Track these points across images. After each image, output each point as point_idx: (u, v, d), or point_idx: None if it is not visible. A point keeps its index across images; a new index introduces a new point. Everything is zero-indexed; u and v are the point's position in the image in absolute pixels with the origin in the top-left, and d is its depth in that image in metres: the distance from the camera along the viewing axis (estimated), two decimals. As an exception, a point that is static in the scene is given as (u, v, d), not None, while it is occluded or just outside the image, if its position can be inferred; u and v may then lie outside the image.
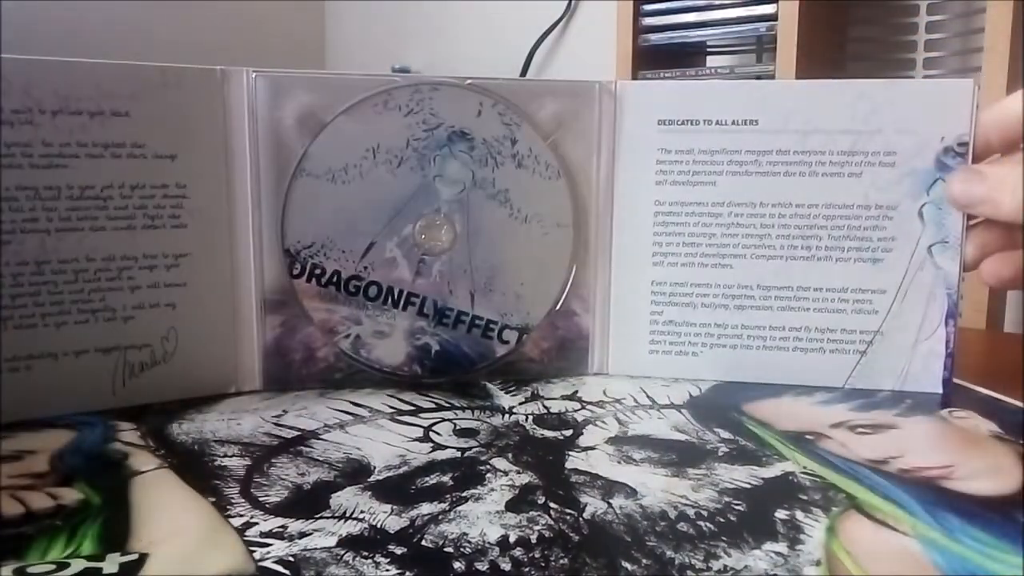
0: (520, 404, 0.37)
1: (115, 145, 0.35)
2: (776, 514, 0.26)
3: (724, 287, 0.40)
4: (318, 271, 0.39)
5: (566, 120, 0.40)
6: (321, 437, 0.33)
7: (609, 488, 0.28)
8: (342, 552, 0.24)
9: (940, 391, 0.38)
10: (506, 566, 0.23)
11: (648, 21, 1.00)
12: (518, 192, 0.40)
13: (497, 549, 0.24)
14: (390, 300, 0.39)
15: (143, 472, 0.29)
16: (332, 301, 0.39)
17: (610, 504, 0.27)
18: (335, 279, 0.39)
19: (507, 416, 0.36)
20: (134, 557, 0.23)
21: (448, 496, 0.28)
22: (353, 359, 0.39)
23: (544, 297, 0.41)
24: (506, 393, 0.39)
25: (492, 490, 0.28)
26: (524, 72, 1.30)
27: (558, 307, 0.41)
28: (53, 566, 0.23)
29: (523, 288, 0.41)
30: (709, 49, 1.07)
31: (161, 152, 0.36)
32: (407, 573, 0.23)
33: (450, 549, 0.24)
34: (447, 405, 0.37)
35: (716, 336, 0.40)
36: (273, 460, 0.31)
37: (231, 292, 0.38)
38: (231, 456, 0.31)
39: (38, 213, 0.34)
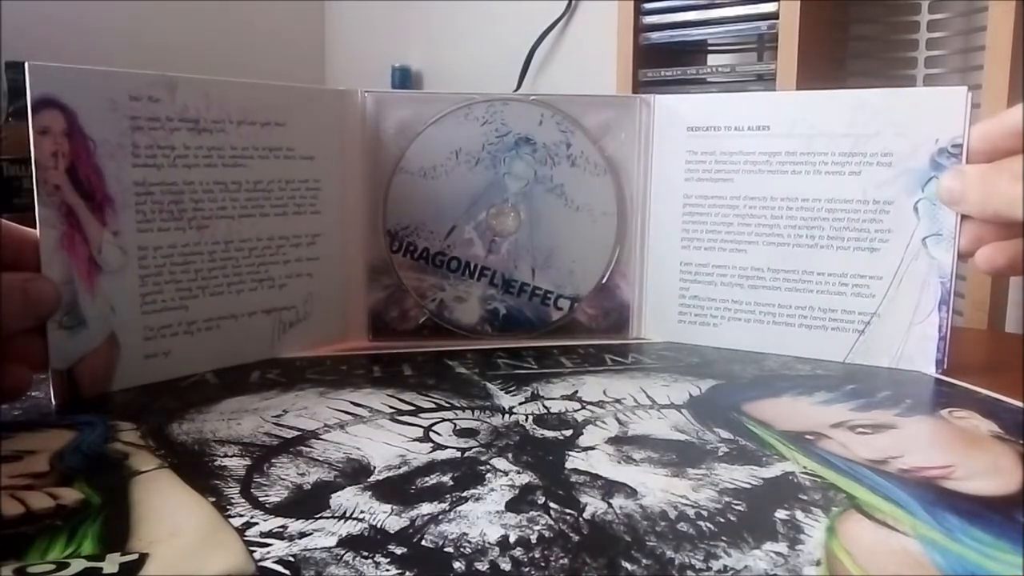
0: (520, 404, 0.37)
1: (276, 148, 0.44)
2: (776, 514, 0.26)
3: (740, 269, 0.46)
4: (411, 248, 0.48)
5: (611, 127, 0.49)
6: (321, 437, 0.33)
7: (609, 488, 0.28)
8: (342, 552, 0.24)
9: (933, 372, 0.42)
10: (506, 566, 0.23)
11: (648, 20, 1.00)
12: (571, 186, 0.48)
13: (497, 549, 0.24)
14: (467, 272, 0.49)
15: (143, 472, 0.29)
16: (422, 272, 0.48)
17: (610, 504, 0.27)
18: (424, 254, 0.48)
19: (507, 416, 0.35)
20: (134, 557, 0.23)
21: (448, 496, 0.28)
22: (438, 319, 0.49)
23: (592, 273, 0.49)
24: (506, 393, 0.39)
25: (492, 490, 0.28)
26: (524, 72, 1.30)
27: (603, 281, 0.49)
28: (53, 566, 0.23)
29: (575, 265, 0.49)
30: (710, 48, 1.07)
31: (305, 154, 0.45)
32: (407, 573, 0.23)
33: (450, 549, 0.24)
34: (447, 405, 0.37)
35: (733, 311, 0.47)
36: (273, 460, 0.30)
37: (346, 264, 0.48)
38: (231, 456, 0.31)
39: (227, 203, 0.42)
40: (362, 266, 0.48)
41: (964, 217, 0.40)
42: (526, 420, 0.35)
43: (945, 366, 0.42)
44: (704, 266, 0.47)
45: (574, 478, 0.29)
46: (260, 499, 0.27)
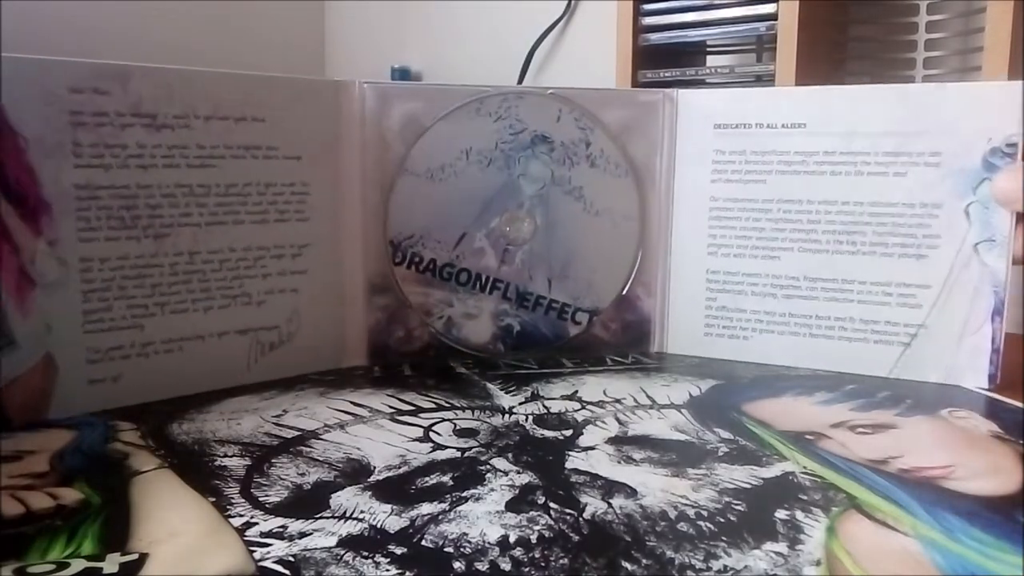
0: (520, 404, 0.37)
1: (254, 147, 0.39)
2: (776, 514, 0.26)
3: (773, 277, 0.43)
4: (416, 259, 0.43)
5: (633, 124, 0.45)
6: (321, 437, 0.33)
7: (609, 488, 0.28)
8: (342, 552, 0.24)
9: (986, 386, 0.39)
10: (506, 566, 0.23)
11: (648, 21, 1.00)
12: (591, 189, 0.45)
13: (497, 549, 0.24)
14: (478, 285, 0.44)
15: (143, 472, 0.29)
16: (428, 286, 0.44)
17: (610, 504, 0.27)
18: (431, 266, 0.44)
19: (507, 416, 0.35)
20: (134, 557, 0.23)
21: (448, 496, 0.28)
22: (445, 338, 0.44)
23: (612, 283, 0.46)
24: (506, 393, 0.39)
25: (492, 490, 0.28)
26: (523, 72, 1.30)
27: (624, 292, 0.46)
28: (53, 566, 0.23)
29: (594, 275, 0.45)
30: (709, 48, 1.07)
31: (289, 154, 0.40)
32: (407, 573, 0.23)
33: (450, 549, 0.24)
34: (447, 405, 0.37)
35: (765, 322, 0.43)
36: (273, 460, 0.30)
37: (342, 278, 0.43)
38: (231, 456, 0.31)
39: (192, 209, 0.37)
40: (360, 280, 0.43)
41: (1020, 220, 0.38)
42: (526, 420, 0.35)
43: (998, 381, 0.39)
44: (733, 274, 0.44)
45: (574, 478, 0.29)
46: (260, 499, 0.27)
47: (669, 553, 0.24)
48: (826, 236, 0.42)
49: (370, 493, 0.28)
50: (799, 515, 0.26)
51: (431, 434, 0.33)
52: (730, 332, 0.44)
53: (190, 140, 0.37)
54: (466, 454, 0.31)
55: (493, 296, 0.45)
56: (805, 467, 0.30)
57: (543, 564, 0.23)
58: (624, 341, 0.46)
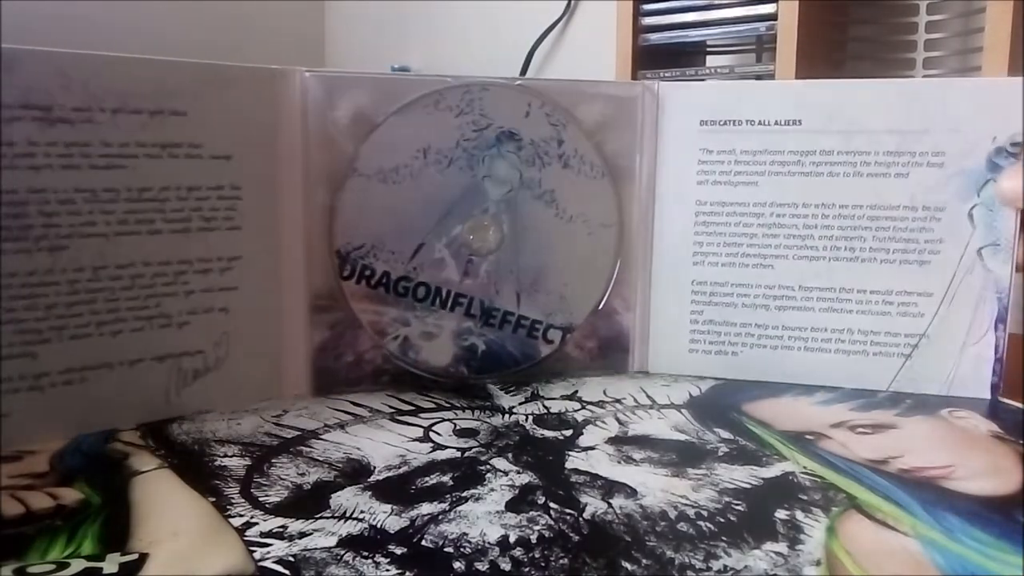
0: (520, 404, 0.37)
1: (173, 145, 0.34)
2: (776, 514, 0.26)
3: (765, 287, 0.40)
4: (368, 272, 0.38)
5: (610, 120, 0.40)
6: (321, 437, 0.33)
7: (609, 488, 0.28)
8: (342, 552, 0.24)
9: (988, 396, 0.38)
10: (506, 566, 0.23)
11: (648, 21, 1.00)
12: (564, 192, 0.40)
13: (497, 549, 0.24)
14: (438, 301, 0.40)
15: (143, 472, 0.29)
16: (381, 303, 0.39)
17: (610, 504, 0.27)
18: (385, 280, 0.39)
19: (507, 416, 0.35)
20: (134, 557, 0.23)
21: (448, 496, 0.28)
22: (401, 361, 0.39)
23: (587, 296, 0.41)
24: (506, 393, 0.39)
25: (492, 490, 0.28)
26: (523, 72, 1.30)
27: (601, 306, 0.41)
28: (53, 566, 0.23)
29: (567, 288, 0.41)
30: (709, 49, 1.07)
31: (217, 152, 0.35)
32: (407, 573, 0.23)
33: (450, 549, 0.24)
34: (447, 405, 0.37)
35: (756, 336, 0.40)
36: (273, 460, 0.30)
37: (280, 295, 0.37)
38: (231, 456, 0.31)
39: (96, 216, 0.32)
40: (301, 297, 0.37)
41: None
42: (526, 420, 0.35)
43: (1000, 391, 0.38)
44: (721, 285, 0.40)
45: (574, 478, 0.29)
46: (260, 499, 0.27)
47: (669, 553, 0.24)
48: (823, 242, 0.39)
49: (370, 493, 0.28)
50: (799, 515, 0.26)
51: (431, 434, 0.33)
52: (717, 348, 0.41)
53: (93, 137, 0.32)
54: (466, 454, 0.31)
55: (455, 313, 0.40)
56: (805, 467, 0.30)
57: (543, 564, 0.23)
58: (601, 360, 0.42)
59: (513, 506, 0.27)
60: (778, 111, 0.39)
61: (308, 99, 0.37)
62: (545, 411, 0.36)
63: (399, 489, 0.28)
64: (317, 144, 0.37)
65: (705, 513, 0.27)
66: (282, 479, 0.29)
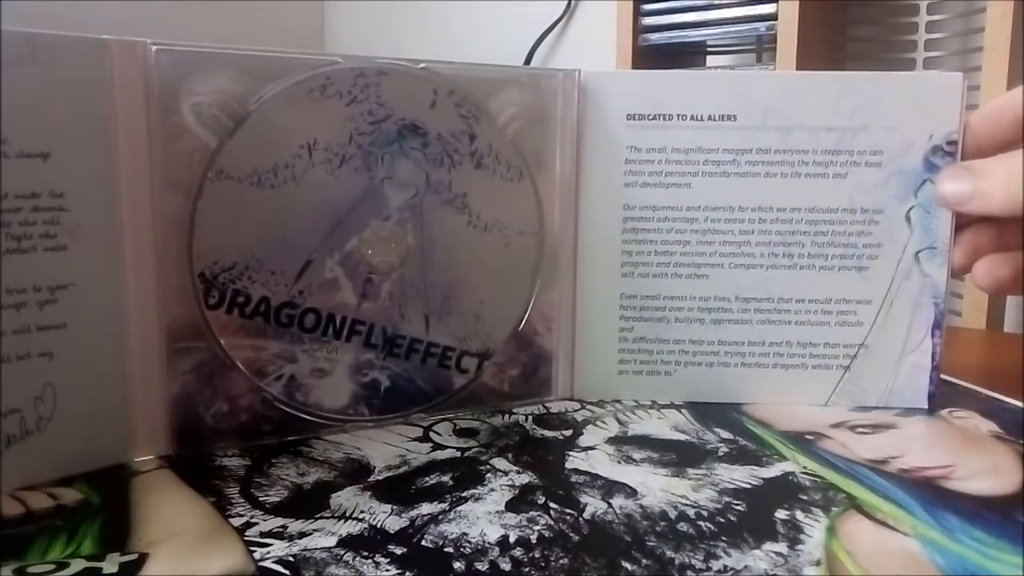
0: (520, 404, 0.37)
1: None
2: (776, 514, 0.26)
3: (700, 300, 0.37)
4: (241, 299, 0.31)
5: (531, 113, 0.35)
6: (321, 437, 0.33)
7: (609, 488, 0.28)
8: (342, 552, 0.24)
9: (925, 406, 0.37)
10: (506, 566, 0.23)
11: (648, 21, 1.00)
12: (477, 196, 0.35)
13: (497, 549, 0.24)
14: (331, 330, 0.33)
15: (143, 472, 0.29)
16: (259, 336, 0.31)
17: (610, 504, 0.27)
18: (263, 308, 0.31)
19: (507, 416, 0.35)
20: (134, 557, 0.23)
21: (448, 496, 0.28)
22: (286, 406, 0.32)
23: (506, 316, 0.36)
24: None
25: (492, 490, 0.28)
26: (524, 72, 1.31)
27: (521, 327, 0.36)
28: (53, 566, 0.23)
29: (483, 307, 0.36)
30: (709, 49, 1.07)
31: (29, 150, 0.26)
32: (407, 573, 0.23)
33: (450, 549, 0.24)
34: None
35: (691, 353, 0.37)
36: (273, 460, 0.30)
37: (124, 332, 0.29)
38: (231, 456, 0.31)
39: None
40: (154, 333, 0.30)
41: (959, 227, 0.35)
42: (526, 420, 0.35)
43: (936, 399, 0.37)
44: (653, 298, 0.37)
45: (574, 478, 0.29)
46: (260, 499, 0.27)
47: (669, 553, 0.24)
48: (760, 249, 0.36)
49: (370, 493, 0.28)
50: (799, 515, 0.26)
51: (431, 434, 0.33)
52: (649, 368, 0.37)
53: None
54: (466, 454, 0.31)
55: (352, 343, 0.33)
56: (805, 467, 0.30)
57: (543, 564, 0.23)
58: (522, 388, 0.37)
59: (513, 506, 0.27)
60: (712, 105, 0.36)
61: (156, 81, 0.29)
62: (545, 411, 0.36)
63: (399, 489, 0.28)
64: (169, 140, 0.29)
65: (705, 513, 0.27)
66: (282, 479, 0.29)
